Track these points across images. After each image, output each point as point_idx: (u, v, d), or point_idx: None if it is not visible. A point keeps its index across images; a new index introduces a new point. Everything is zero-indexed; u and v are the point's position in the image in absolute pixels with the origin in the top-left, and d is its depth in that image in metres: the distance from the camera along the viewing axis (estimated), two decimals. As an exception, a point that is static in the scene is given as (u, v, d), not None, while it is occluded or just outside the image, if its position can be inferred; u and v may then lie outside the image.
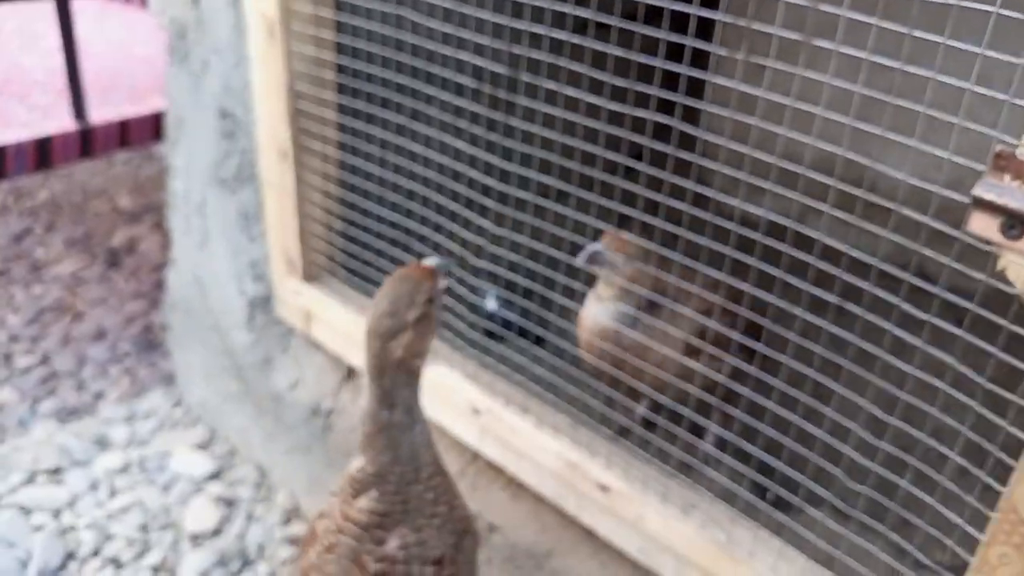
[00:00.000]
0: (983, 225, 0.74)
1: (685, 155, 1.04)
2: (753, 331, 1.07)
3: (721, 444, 1.24)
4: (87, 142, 2.81)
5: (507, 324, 1.96)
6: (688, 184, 1.04)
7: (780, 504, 1.12)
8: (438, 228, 1.42)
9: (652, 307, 1.25)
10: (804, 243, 0.94)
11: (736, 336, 1.06)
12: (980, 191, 0.73)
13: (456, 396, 1.43)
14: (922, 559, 0.94)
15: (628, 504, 1.20)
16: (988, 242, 0.75)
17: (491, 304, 2.04)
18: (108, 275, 3.15)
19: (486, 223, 1.33)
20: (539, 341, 1.51)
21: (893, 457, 0.94)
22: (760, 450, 1.06)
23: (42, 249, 3.28)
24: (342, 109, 1.54)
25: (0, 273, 3.09)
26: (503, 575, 1.48)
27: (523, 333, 1.51)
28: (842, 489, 1.00)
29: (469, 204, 1.36)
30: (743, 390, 1.07)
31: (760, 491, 1.14)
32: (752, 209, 0.99)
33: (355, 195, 1.56)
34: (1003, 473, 0.81)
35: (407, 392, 1.03)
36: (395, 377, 1.01)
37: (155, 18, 1.85)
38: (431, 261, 1.09)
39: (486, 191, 1.32)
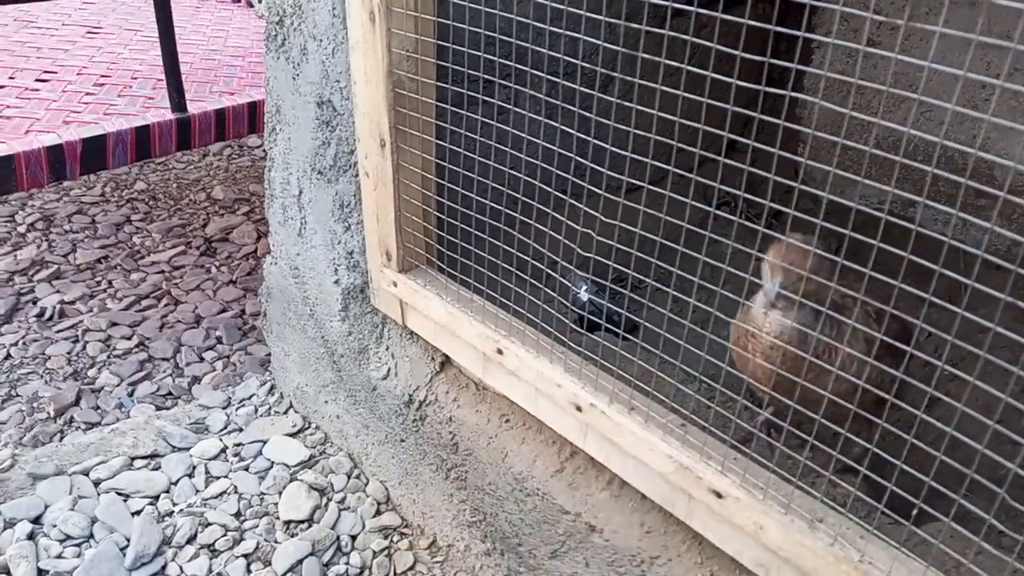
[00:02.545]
0: None
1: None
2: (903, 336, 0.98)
3: (861, 457, 1.14)
4: (184, 133, 2.87)
5: (599, 313, 1.90)
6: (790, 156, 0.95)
7: (919, 520, 1.02)
8: (536, 216, 1.37)
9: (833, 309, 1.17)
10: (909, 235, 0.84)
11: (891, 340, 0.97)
12: None
13: (557, 391, 1.37)
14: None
15: (746, 512, 1.12)
16: None
17: (584, 294, 1.98)
18: (203, 263, 3.23)
19: (583, 207, 1.27)
20: (633, 330, 1.44)
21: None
22: (902, 462, 0.97)
23: (140, 238, 3.38)
24: (440, 94, 1.51)
25: (100, 260, 3.20)
26: (604, 580, 1.42)
27: (615, 322, 1.44)
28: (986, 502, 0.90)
29: (567, 190, 1.30)
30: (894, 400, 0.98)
31: (900, 509, 1.04)
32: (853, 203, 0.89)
33: (453, 184, 1.52)
34: None
35: None
36: None
37: (253, 5, 1.85)
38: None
39: (582, 174, 1.25)
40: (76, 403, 2.46)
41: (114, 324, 2.82)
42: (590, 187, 1.25)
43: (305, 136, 1.85)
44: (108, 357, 2.68)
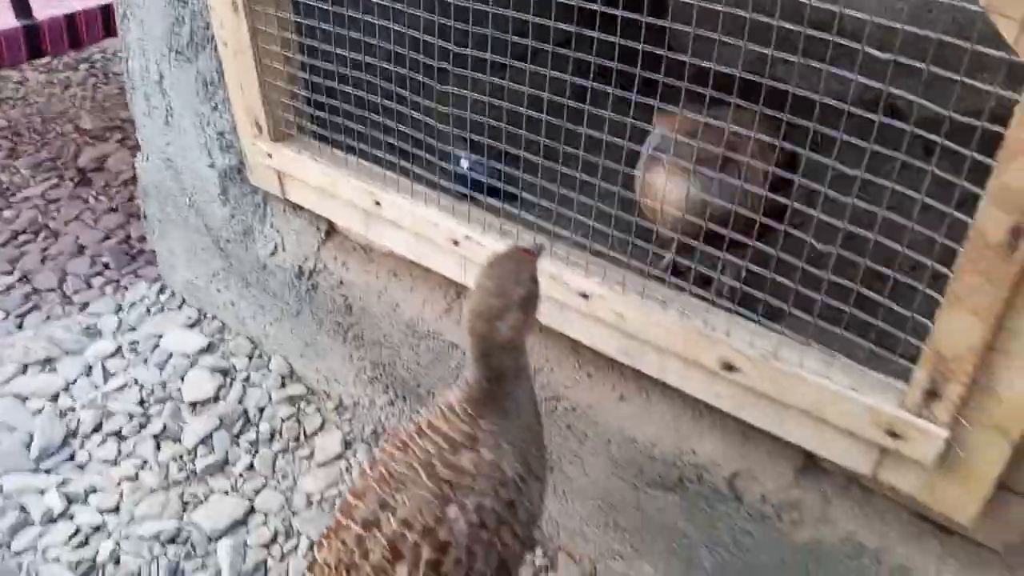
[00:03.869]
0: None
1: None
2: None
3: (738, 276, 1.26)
4: (34, 40, 2.71)
5: (479, 184, 1.97)
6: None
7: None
8: (405, 85, 1.41)
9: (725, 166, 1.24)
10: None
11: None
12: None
13: (435, 230, 1.45)
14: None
15: (608, 305, 1.25)
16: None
17: (464, 164, 2.05)
18: (79, 194, 3.10)
19: (450, 87, 1.32)
20: (511, 199, 1.53)
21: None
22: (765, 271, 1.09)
23: (6, 175, 3.21)
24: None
25: (-34, 202, 3.02)
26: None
27: (494, 192, 1.51)
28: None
29: (432, 67, 1.34)
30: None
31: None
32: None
33: (316, 48, 1.53)
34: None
35: (511, 362, 1.01)
36: (501, 355, 0.99)
37: None
38: (527, 243, 1.08)
39: (446, 55, 1.30)
40: (-40, 340, 2.37)
41: None
42: (473, 54, 1.28)
43: (157, 16, 1.81)
44: None
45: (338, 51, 1.46)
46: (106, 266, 2.67)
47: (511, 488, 1.02)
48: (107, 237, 2.83)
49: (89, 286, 2.59)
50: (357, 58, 1.44)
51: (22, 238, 2.81)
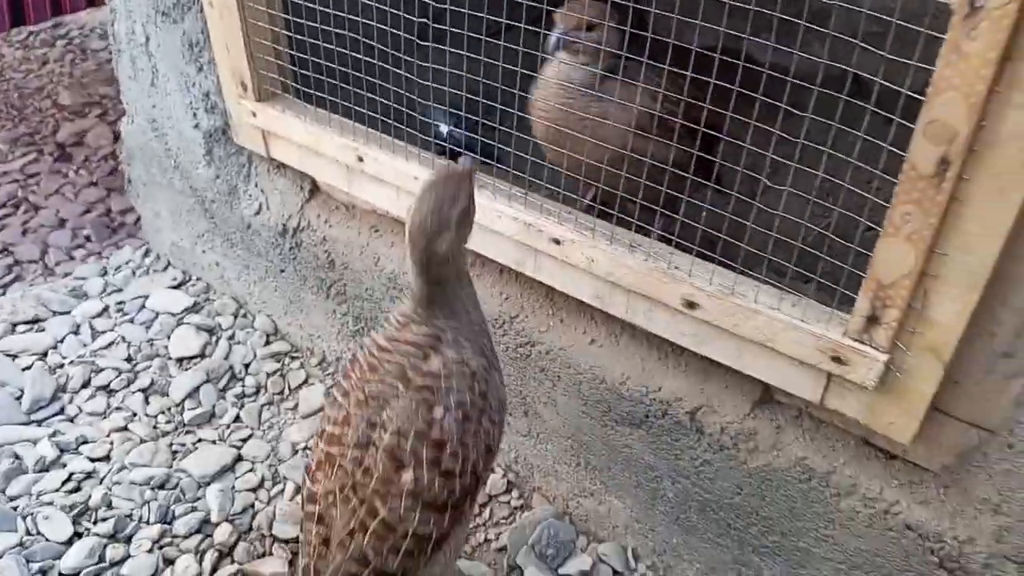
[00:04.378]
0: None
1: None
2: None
3: (669, 228, 1.35)
4: (17, 8, 2.73)
5: (459, 143, 2.04)
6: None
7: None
8: (393, 36, 1.47)
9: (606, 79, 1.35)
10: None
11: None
12: None
13: (415, 184, 1.51)
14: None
15: (580, 251, 1.32)
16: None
17: (443, 128, 2.11)
18: (59, 169, 3.11)
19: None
20: (490, 158, 1.60)
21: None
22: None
23: (-16, 150, 3.21)
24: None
25: (-56, 177, 3.03)
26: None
27: (474, 150, 1.59)
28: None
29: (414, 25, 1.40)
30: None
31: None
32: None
33: (300, 6, 1.58)
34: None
35: (451, 271, 1.11)
36: (440, 267, 1.08)
37: None
38: (465, 161, 1.16)
39: (423, 33, 1.37)
40: (-55, 308, 2.39)
41: None
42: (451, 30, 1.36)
43: (144, -22, 1.85)
44: None
45: (321, 8, 1.51)
46: (87, 239, 2.69)
47: (480, 380, 1.13)
48: (88, 211, 2.85)
49: (71, 258, 2.61)
50: (341, 16, 1.49)
51: (2, 211, 2.83)
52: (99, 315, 2.15)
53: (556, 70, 1.42)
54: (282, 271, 1.98)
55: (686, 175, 1.26)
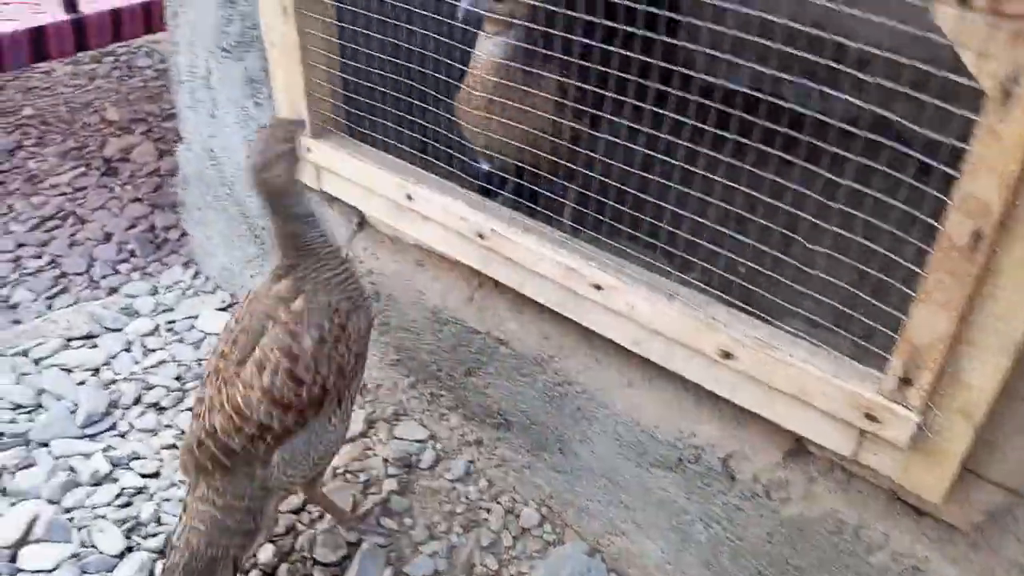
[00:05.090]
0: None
1: None
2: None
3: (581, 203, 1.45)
4: (81, 34, 2.86)
5: (501, 184, 2.11)
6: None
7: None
8: (436, 84, 1.54)
9: (528, 54, 1.56)
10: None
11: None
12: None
13: (463, 224, 1.57)
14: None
15: (620, 297, 1.36)
16: None
17: (484, 166, 2.18)
18: (105, 183, 3.21)
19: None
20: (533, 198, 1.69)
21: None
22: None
23: (35, 162, 3.33)
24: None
25: (-3, 185, 3.15)
26: (512, 382, 1.66)
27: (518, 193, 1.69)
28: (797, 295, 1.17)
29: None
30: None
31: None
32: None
33: (356, 51, 1.66)
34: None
35: (294, 207, 1.36)
36: (280, 200, 1.34)
37: None
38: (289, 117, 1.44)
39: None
40: (-7, 318, 2.49)
41: (21, 245, 2.79)
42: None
43: (208, 15, 1.94)
44: (20, 276, 2.65)
45: (376, 54, 1.59)
46: (132, 253, 2.78)
47: (342, 315, 1.41)
48: (132, 226, 2.94)
49: (116, 272, 2.70)
50: (394, 60, 1.57)
51: (50, 224, 2.93)
52: (150, 333, 2.24)
53: (480, 45, 1.59)
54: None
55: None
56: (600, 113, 1.46)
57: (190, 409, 1.97)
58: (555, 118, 1.59)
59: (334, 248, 1.43)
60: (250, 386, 1.35)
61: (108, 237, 2.87)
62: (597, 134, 1.50)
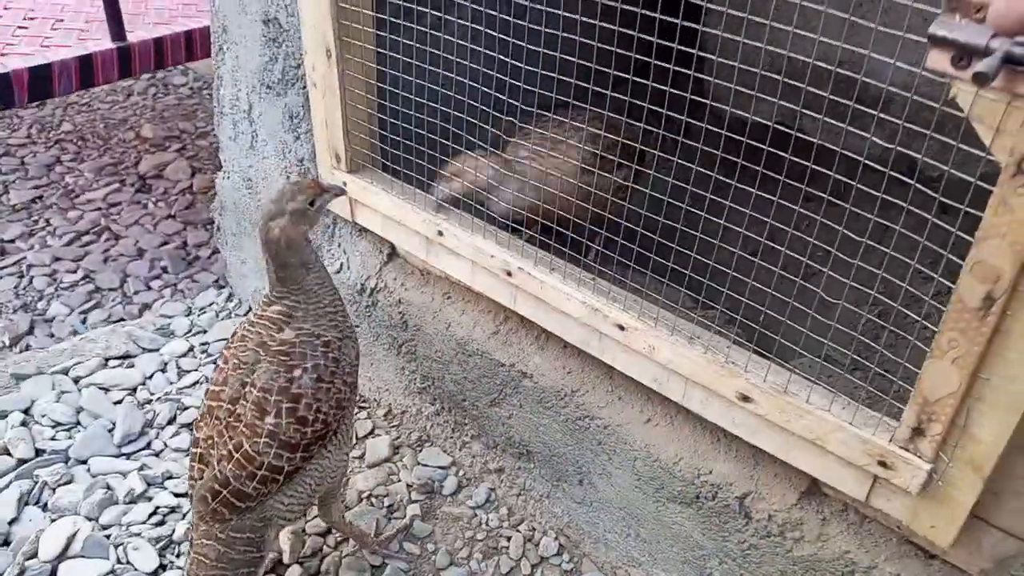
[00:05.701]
0: (938, 60, 0.89)
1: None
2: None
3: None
4: (125, 61, 2.97)
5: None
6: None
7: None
8: (469, 123, 1.61)
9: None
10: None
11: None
12: (935, 29, 0.87)
13: (491, 261, 1.63)
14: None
15: (642, 338, 1.42)
16: (943, 74, 0.90)
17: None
18: (139, 200, 3.30)
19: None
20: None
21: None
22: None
23: (72, 177, 3.43)
24: (379, 5, 1.71)
25: (35, 200, 3.25)
26: (534, 414, 1.71)
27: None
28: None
29: (492, 103, 1.54)
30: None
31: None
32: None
33: (393, 90, 1.74)
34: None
35: (292, 257, 1.44)
36: (278, 249, 1.43)
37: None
38: (333, 182, 1.57)
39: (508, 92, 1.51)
40: (30, 332, 2.56)
41: (58, 259, 2.89)
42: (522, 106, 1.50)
43: (253, 53, 2.03)
44: (56, 290, 2.74)
45: (413, 97, 1.66)
46: (164, 270, 2.87)
47: (334, 349, 1.48)
48: (165, 242, 3.03)
49: (148, 288, 2.79)
50: (430, 104, 1.64)
51: (85, 239, 3.03)
52: (185, 355, 2.31)
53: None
54: (357, 326, 2.11)
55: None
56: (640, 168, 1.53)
57: (222, 430, 2.04)
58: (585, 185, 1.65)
59: (328, 286, 1.51)
60: (256, 431, 1.39)
61: (141, 253, 2.96)
62: (637, 186, 1.57)
